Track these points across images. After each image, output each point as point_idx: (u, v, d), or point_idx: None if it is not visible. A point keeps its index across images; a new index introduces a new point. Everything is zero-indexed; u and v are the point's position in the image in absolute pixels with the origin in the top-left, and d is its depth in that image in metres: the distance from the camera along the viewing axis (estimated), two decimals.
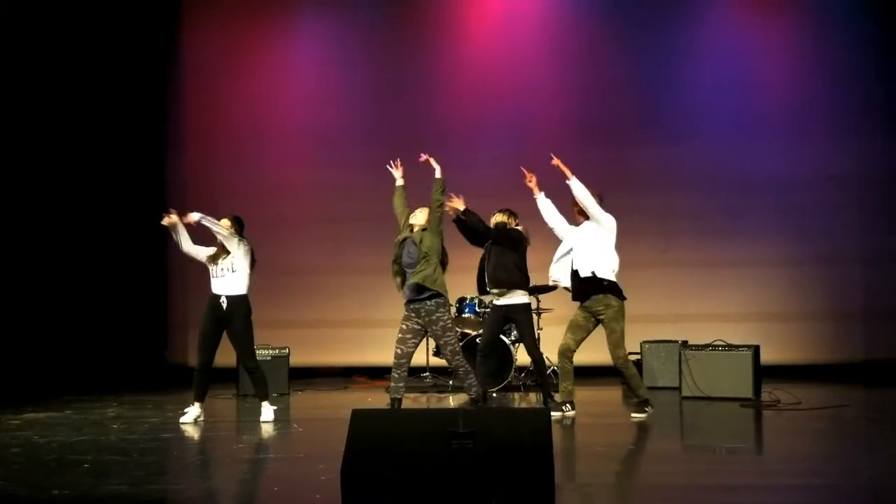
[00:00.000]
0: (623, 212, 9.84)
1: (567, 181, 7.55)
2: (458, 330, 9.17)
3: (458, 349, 7.69)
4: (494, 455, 4.26)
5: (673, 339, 9.84)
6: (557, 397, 7.87)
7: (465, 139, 11.56)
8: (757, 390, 8.72)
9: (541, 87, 11.56)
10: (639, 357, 9.83)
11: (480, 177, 11.21)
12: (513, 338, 9.36)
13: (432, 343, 9.84)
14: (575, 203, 7.64)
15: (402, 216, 7.79)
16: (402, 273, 7.64)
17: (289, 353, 9.82)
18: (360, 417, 4.48)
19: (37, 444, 6.65)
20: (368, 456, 4.33)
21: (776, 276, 11.07)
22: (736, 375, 8.71)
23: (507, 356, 9.37)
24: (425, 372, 10.28)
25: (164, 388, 10.13)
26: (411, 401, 8.79)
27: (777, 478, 5.51)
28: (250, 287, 7.75)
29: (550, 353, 9.09)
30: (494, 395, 9.17)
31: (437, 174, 7.76)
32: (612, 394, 9.49)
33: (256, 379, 7.77)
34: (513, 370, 9.45)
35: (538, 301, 9.73)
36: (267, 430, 7.41)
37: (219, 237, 7.61)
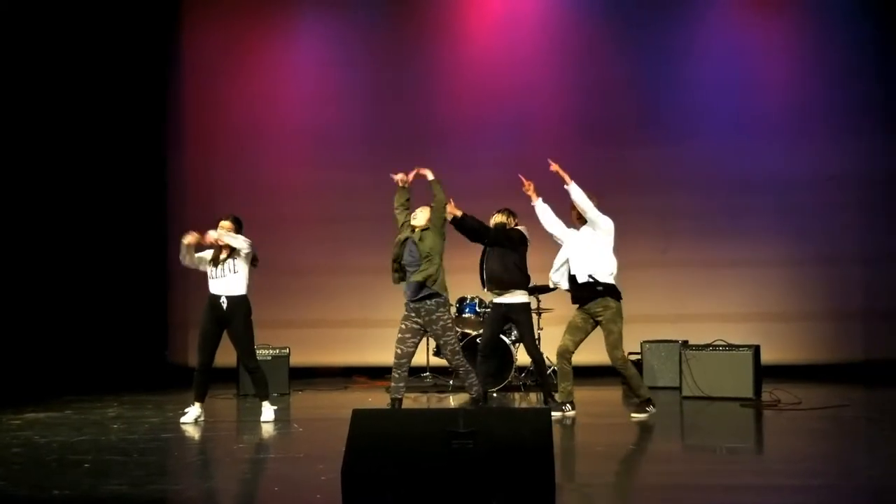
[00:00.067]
0: (623, 212, 9.85)
1: (565, 186, 7.55)
2: (458, 330, 9.18)
3: (458, 349, 7.70)
4: (495, 455, 4.26)
5: (673, 339, 9.85)
6: (557, 397, 7.88)
7: (465, 139, 11.57)
8: (757, 390, 8.73)
9: (541, 87, 11.56)
10: (639, 357, 9.84)
11: (480, 177, 11.23)
12: (513, 338, 9.36)
13: (432, 343, 9.85)
14: (573, 207, 7.65)
15: (401, 216, 7.77)
16: (401, 271, 7.63)
17: (289, 353, 9.82)
18: (361, 417, 4.48)
19: (37, 444, 6.65)
20: (369, 456, 4.33)
21: (776, 276, 11.07)
22: (736, 375, 8.71)
23: (508, 356, 9.38)
24: (425, 372, 10.28)
25: (164, 388, 10.13)
26: (411, 401, 8.79)
27: (777, 478, 5.51)
28: (250, 287, 7.75)
29: (551, 353, 9.09)
30: (495, 394, 9.17)
31: (431, 177, 7.72)
32: (612, 394, 9.49)
33: (257, 379, 7.77)
34: (513, 370, 9.45)
35: (538, 301, 9.73)
36: (267, 430, 7.41)
37: (238, 246, 7.59)
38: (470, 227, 8.10)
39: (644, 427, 7.39)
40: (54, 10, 10.53)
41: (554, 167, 7.59)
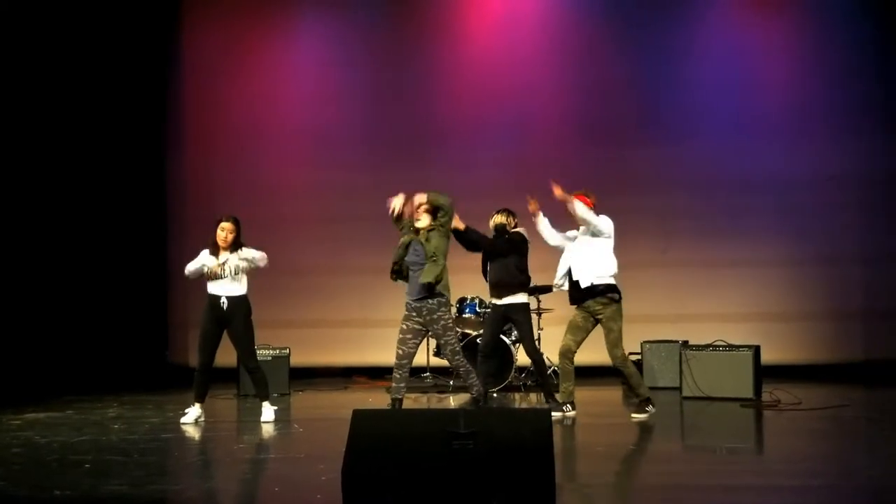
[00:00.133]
0: (623, 212, 9.85)
1: (569, 205, 7.53)
2: (459, 330, 9.18)
3: (458, 349, 7.69)
4: (495, 455, 4.27)
5: (673, 339, 9.85)
6: (558, 397, 7.87)
7: (465, 139, 11.57)
8: (757, 390, 8.73)
9: (541, 87, 11.56)
10: (639, 357, 9.84)
11: (480, 177, 11.24)
12: (513, 338, 9.37)
13: (433, 343, 9.85)
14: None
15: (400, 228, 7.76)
16: (399, 271, 7.61)
17: (289, 354, 9.82)
18: (361, 418, 4.48)
19: (38, 444, 6.65)
20: (369, 456, 4.33)
21: (776, 276, 11.07)
22: (736, 375, 8.71)
23: (508, 356, 9.38)
24: (426, 372, 10.28)
25: (164, 388, 10.14)
26: (412, 401, 8.79)
27: (777, 478, 5.51)
28: (250, 287, 7.76)
29: (551, 354, 9.10)
30: (495, 395, 9.17)
31: (423, 199, 7.63)
32: (612, 394, 9.50)
33: (257, 379, 7.77)
34: (513, 370, 9.46)
35: (538, 301, 9.73)
36: (267, 430, 7.41)
37: (256, 265, 7.63)
38: (470, 240, 8.13)
39: (644, 427, 7.39)
40: (54, 10, 10.53)
41: (557, 192, 7.53)
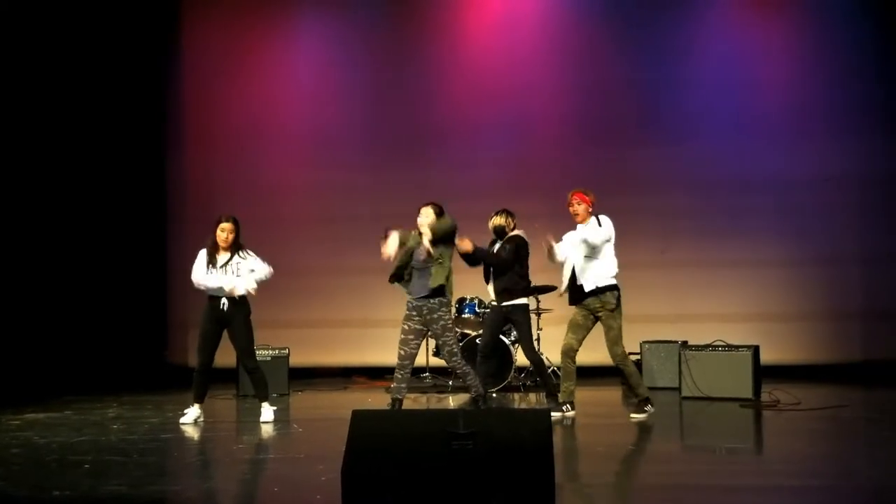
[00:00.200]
0: (623, 212, 9.84)
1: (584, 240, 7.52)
2: (458, 330, 9.18)
3: (455, 350, 7.68)
4: (494, 456, 4.27)
5: (673, 339, 9.84)
6: (559, 397, 7.87)
7: (465, 139, 11.57)
8: (756, 391, 8.73)
9: (541, 87, 11.56)
10: (639, 357, 9.84)
11: (480, 177, 11.25)
12: (512, 338, 9.36)
13: (432, 343, 9.85)
14: (570, 204, 7.62)
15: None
16: (400, 277, 7.60)
17: (288, 354, 9.82)
18: (361, 418, 4.48)
19: (37, 444, 6.65)
20: (369, 456, 4.33)
21: (776, 276, 11.07)
22: (735, 376, 8.71)
23: (508, 357, 9.38)
24: (425, 372, 10.28)
25: (163, 388, 10.13)
26: (411, 401, 8.78)
27: (776, 478, 5.52)
28: None
29: (551, 354, 9.11)
30: (494, 395, 9.17)
31: (427, 240, 7.52)
32: (611, 394, 9.50)
33: (256, 379, 7.77)
34: (513, 370, 9.46)
35: (538, 301, 9.73)
36: (267, 430, 7.41)
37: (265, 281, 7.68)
38: (479, 259, 8.12)
39: (643, 427, 7.39)
40: (54, 10, 10.53)
41: (550, 244, 7.52)
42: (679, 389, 8.97)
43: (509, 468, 4.24)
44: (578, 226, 7.67)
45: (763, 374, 8.97)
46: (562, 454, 6.16)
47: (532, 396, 9.40)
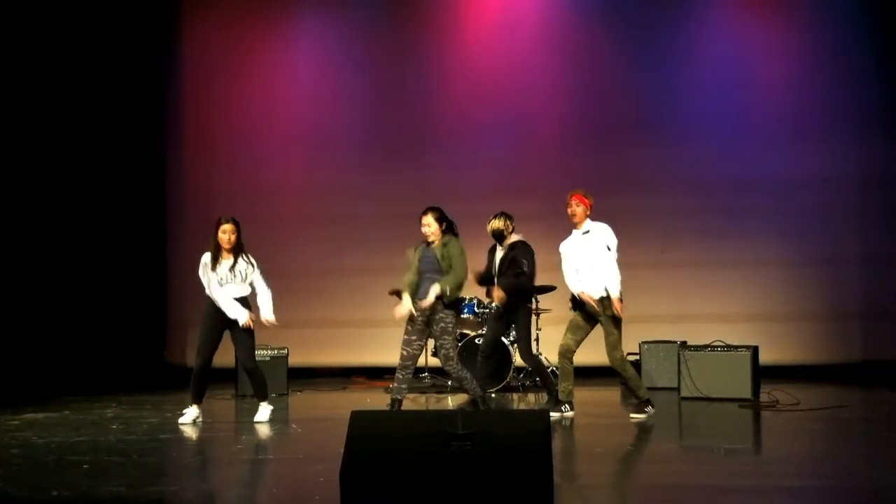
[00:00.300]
0: (623, 212, 9.86)
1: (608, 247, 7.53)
2: (458, 331, 9.18)
3: (452, 354, 7.64)
4: (493, 456, 4.27)
5: (672, 339, 9.85)
6: (558, 396, 7.86)
7: (465, 139, 11.58)
8: (755, 391, 8.73)
9: (541, 88, 11.57)
10: (638, 357, 9.84)
11: (480, 177, 11.26)
12: (511, 338, 9.36)
13: (432, 343, 9.85)
14: (569, 205, 7.61)
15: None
16: (413, 283, 7.61)
17: (287, 354, 9.81)
18: (360, 418, 4.48)
19: (36, 444, 6.65)
20: (367, 457, 4.33)
21: (775, 276, 11.08)
22: (735, 376, 8.71)
23: (507, 357, 9.39)
24: (424, 372, 10.28)
25: (162, 388, 10.14)
26: (410, 401, 8.78)
27: (775, 478, 5.52)
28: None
29: (550, 354, 9.11)
30: (493, 395, 9.17)
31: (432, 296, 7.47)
32: (611, 394, 9.50)
33: (255, 380, 7.76)
34: (511, 370, 9.46)
35: (537, 301, 9.72)
36: (266, 430, 7.41)
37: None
38: (512, 290, 8.10)
39: (643, 428, 7.39)
40: (53, 10, 10.53)
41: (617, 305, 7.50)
42: (678, 390, 8.97)
43: (508, 469, 4.24)
44: (574, 231, 7.63)
45: (762, 374, 8.98)
46: (561, 454, 6.16)
47: (531, 396, 9.40)
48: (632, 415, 7.71)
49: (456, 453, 4.27)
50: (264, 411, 7.73)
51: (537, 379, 9.22)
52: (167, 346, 11.93)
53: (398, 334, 7.71)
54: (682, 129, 11.30)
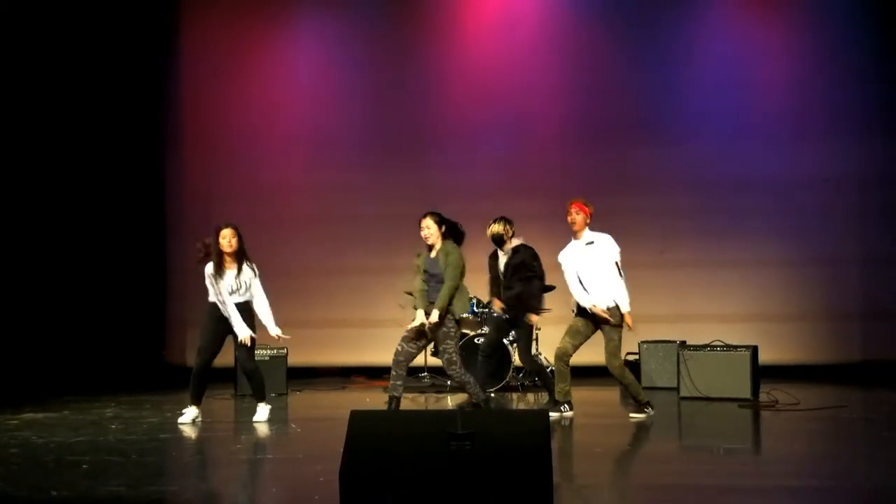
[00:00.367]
0: (623, 212, 9.87)
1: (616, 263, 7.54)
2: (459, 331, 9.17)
3: (455, 359, 7.62)
4: (492, 456, 4.27)
5: (671, 339, 9.84)
6: (556, 397, 7.86)
7: (465, 139, 11.58)
8: (755, 391, 8.73)
9: (541, 88, 11.56)
10: (637, 357, 9.85)
11: (480, 177, 11.26)
12: (511, 338, 9.36)
13: (432, 344, 9.85)
14: (569, 213, 7.59)
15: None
16: (422, 289, 7.62)
17: (287, 354, 9.81)
18: (359, 418, 4.48)
19: (35, 444, 6.65)
20: (367, 457, 4.33)
21: (775, 276, 11.07)
22: (734, 376, 8.71)
23: (506, 357, 9.39)
24: (423, 372, 10.28)
25: (162, 388, 10.13)
26: (409, 401, 8.79)
27: (774, 478, 5.52)
28: None
29: (549, 353, 9.10)
30: (492, 395, 9.17)
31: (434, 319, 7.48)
32: (610, 394, 9.49)
33: (255, 381, 7.76)
34: (511, 370, 9.46)
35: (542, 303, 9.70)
36: (265, 430, 7.41)
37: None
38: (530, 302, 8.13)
39: (642, 427, 7.39)
40: (52, 9, 10.52)
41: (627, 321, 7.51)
42: (677, 390, 8.96)
43: (507, 468, 4.24)
44: (574, 241, 7.61)
45: (762, 374, 8.97)
46: (560, 454, 6.17)
47: (530, 396, 9.40)
48: (631, 415, 7.71)
49: (455, 453, 4.27)
50: (263, 411, 7.72)
51: (536, 379, 9.22)
52: (166, 345, 11.93)
53: (398, 334, 7.71)
54: (682, 129, 11.30)
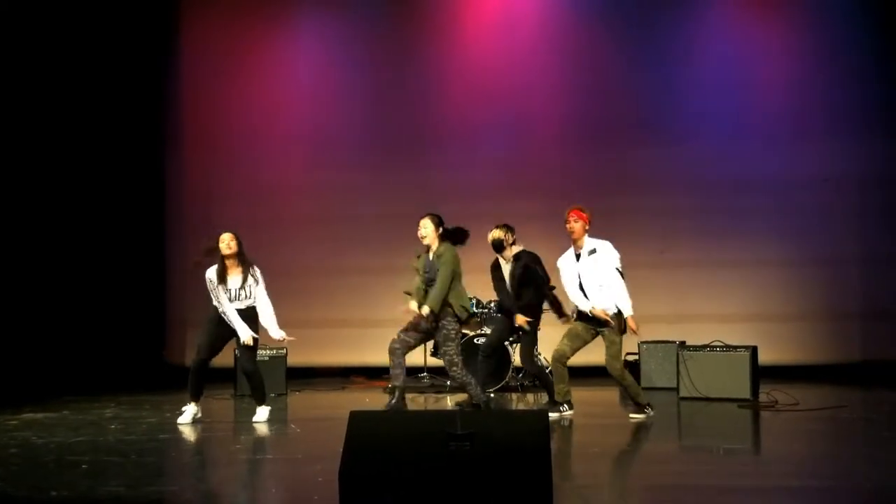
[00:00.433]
0: (623, 212, 9.86)
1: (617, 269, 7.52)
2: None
3: (456, 360, 7.63)
4: (492, 457, 4.26)
5: (671, 339, 9.84)
6: (555, 396, 7.86)
7: (465, 139, 11.58)
8: (755, 391, 8.73)
9: (541, 88, 11.57)
10: (637, 358, 9.84)
11: (480, 177, 11.26)
12: (511, 338, 9.35)
13: (430, 343, 9.85)
14: (567, 221, 7.57)
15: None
16: (420, 288, 7.63)
17: (286, 354, 9.81)
18: (359, 419, 4.48)
19: (35, 444, 6.65)
20: (366, 457, 4.33)
21: (775, 276, 11.08)
22: (734, 376, 8.71)
23: (506, 357, 9.39)
24: (423, 372, 10.28)
25: (161, 388, 10.12)
26: (409, 401, 8.78)
27: (774, 479, 5.52)
28: None
29: (548, 353, 9.09)
30: (492, 395, 9.17)
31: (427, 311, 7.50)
32: (609, 394, 9.49)
33: (254, 383, 7.75)
34: (510, 370, 9.46)
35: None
36: (265, 430, 7.41)
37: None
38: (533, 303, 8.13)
39: (642, 428, 7.39)
40: (52, 9, 10.52)
41: (632, 326, 7.49)
42: (677, 390, 8.96)
43: (507, 469, 4.24)
44: (573, 248, 7.60)
45: (761, 374, 8.97)
46: (559, 455, 6.16)
47: (530, 397, 9.40)
48: (631, 415, 7.71)
49: (455, 453, 4.27)
50: (262, 412, 7.72)
51: (536, 381, 9.21)
52: (166, 345, 11.93)
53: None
54: (682, 129, 11.30)
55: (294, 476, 5.66)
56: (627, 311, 7.46)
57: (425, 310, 7.44)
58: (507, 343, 9.35)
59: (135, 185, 11.52)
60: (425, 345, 9.97)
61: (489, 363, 8.57)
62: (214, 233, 7.68)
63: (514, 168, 11.38)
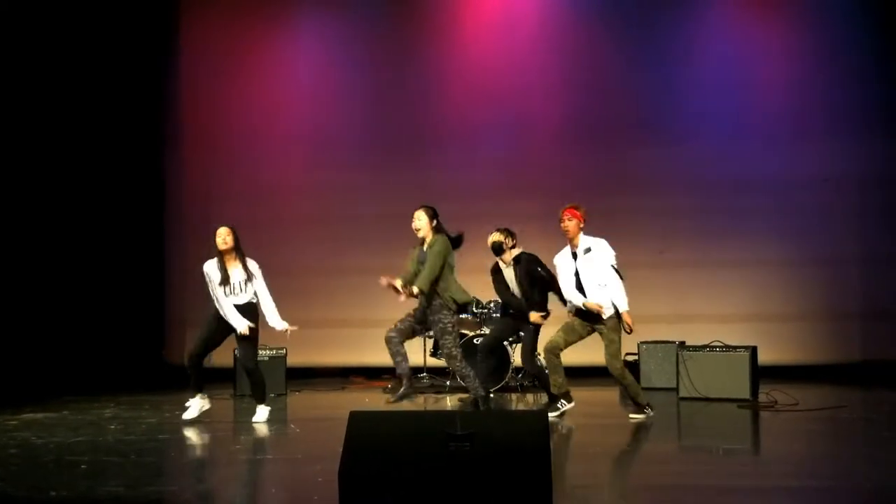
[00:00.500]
0: (622, 212, 9.85)
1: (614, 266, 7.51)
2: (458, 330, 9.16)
3: (454, 353, 7.63)
4: (492, 457, 4.26)
5: (670, 339, 9.83)
6: (552, 390, 7.83)
7: (465, 139, 11.58)
8: (754, 391, 8.73)
9: (540, 88, 11.56)
10: (636, 358, 9.84)
11: (480, 177, 11.26)
12: (511, 338, 9.35)
13: (430, 343, 9.86)
14: (561, 220, 7.56)
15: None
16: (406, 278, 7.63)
17: (286, 354, 9.80)
18: (358, 419, 4.48)
19: (34, 444, 6.65)
20: (366, 457, 4.33)
21: (775, 276, 11.07)
22: (733, 376, 8.71)
23: (505, 357, 9.38)
24: (423, 372, 10.28)
25: (161, 388, 10.12)
26: (408, 401, 8.77)
27: (774, 479, 5.52)
28: None
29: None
30: (492, 394, 9.16)
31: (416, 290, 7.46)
32: (609, 394, 9.49)
33: (255, 382, 7.75)
34: (510, 370, 9.46)
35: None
36: (264, 430, 7.41)
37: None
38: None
39: (641, 428, 7.39)
40: (52, 9, 10.52)
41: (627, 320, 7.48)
42: (677, 390, 8.96)
43: (506, 469, 4.24)
44: (568, 247, 7.59)
45: (761, 374, 8.97)
46: (559, 455, 6.16)
47: (530, 397, 9.40)
48: (631, 415, 7.70)
49: (455, 454, 4.27)
50: (262, 412, 7.72)
51: (536, 382, 9.21)
52: (166, 345, 11.92)
53: None
54: (682, 129, 11.30)
55: (294, 476, 5.66)
56: (623, 307, 7.45)
57: (414, 289, 7.40)
58: (506, 343, 9.35)
59: (134, 184, 11.51)
60: (425, 345, 10.00)
61: (488, 363, 8.56)
62: (214, 233, 7.66)
63: (514, 168, 11.38)
